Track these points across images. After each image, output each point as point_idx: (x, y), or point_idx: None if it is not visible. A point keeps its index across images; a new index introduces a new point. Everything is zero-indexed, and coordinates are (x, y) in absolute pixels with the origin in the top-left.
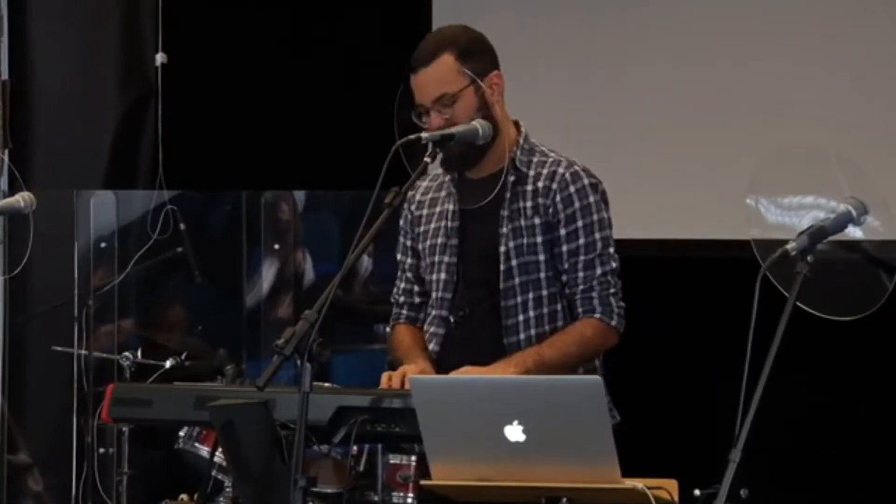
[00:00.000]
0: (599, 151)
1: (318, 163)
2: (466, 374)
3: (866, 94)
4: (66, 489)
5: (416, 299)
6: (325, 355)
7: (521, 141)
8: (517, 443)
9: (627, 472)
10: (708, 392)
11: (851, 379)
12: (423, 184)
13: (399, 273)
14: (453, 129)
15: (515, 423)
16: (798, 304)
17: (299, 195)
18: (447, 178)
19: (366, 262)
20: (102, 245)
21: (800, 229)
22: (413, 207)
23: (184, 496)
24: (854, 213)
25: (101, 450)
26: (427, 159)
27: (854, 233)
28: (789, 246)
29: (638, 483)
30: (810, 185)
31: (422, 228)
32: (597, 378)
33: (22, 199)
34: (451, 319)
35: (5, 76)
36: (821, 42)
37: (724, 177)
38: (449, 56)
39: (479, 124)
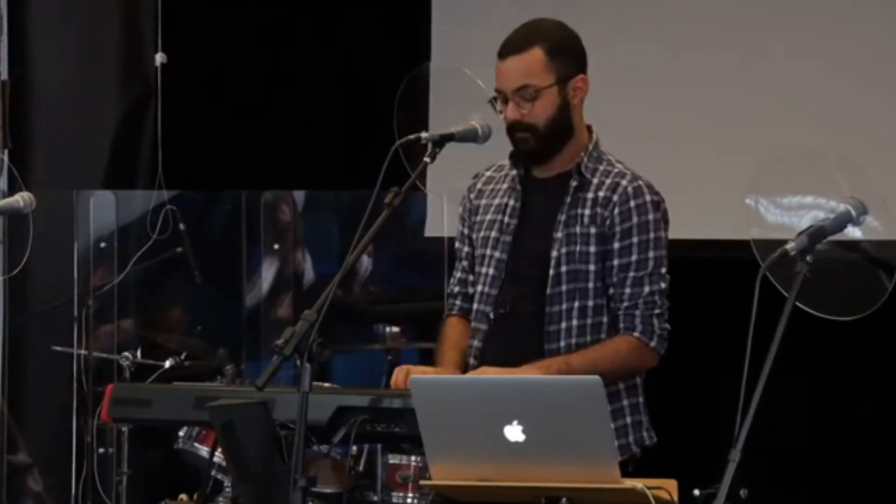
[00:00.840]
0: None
1: (317, 163)
2: (487, 374)
3: (866, 94)
4: (66, 489)
5: (471, 289)
6: (324, 355)
7: (591, 147)
8: (517, 443)
9: (627, 472)
10: (708, 392)
11: (851, 379)
12: (487, 173)
13: (456, 262)
14: (452, 129)
15: (515, 423)
16: (798, 304)
17: (299, 195)
18: (513, 171)
19: (365, 262)
20: (102, 245)
21: (799, 229)
22: (472, 196)
23: (183, 496)
24: (853, 213)
25: (101, 450)
26: (427, 159)
27: (853, 233)
28: (789, 246)
29: (637, 483)
30: (810, 185)
31: (478, 218)
32: (596, 378)
33: (21, 199)
34: (491, 316)
35: (5, 76)
36: (821, 42)
37: (724, 177)
38: (540, 50)
39: (477, 124)
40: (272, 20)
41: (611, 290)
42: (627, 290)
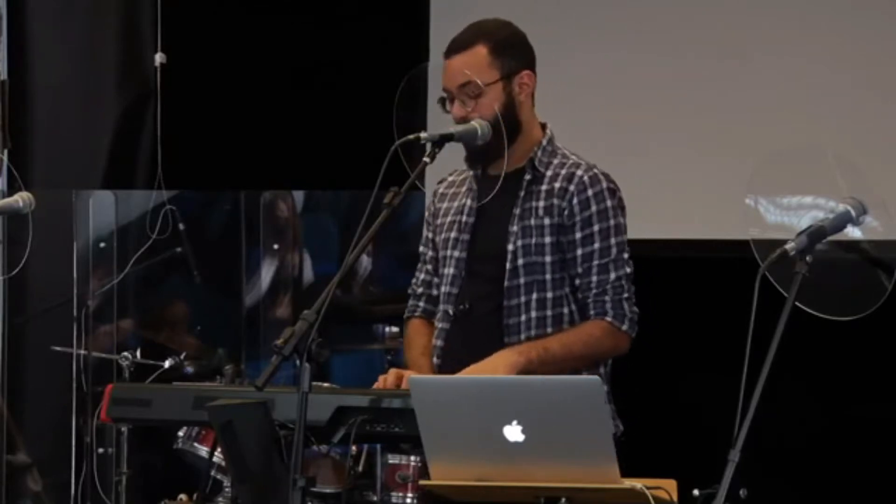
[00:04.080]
0: (599, 151)
1: (316, 163)
2: (471, 374)
3: (866, 93)
4: (66, 489)
5: (435, 291)
6: (324, 355)
7: (545, 142)
8: (516, 443)
9: (626, 472)
10: (707, 392)
11: (850, 379)
12: (450, 177)
13: (419, 265)
14: (452, 129)
15: (514, 423)
16: (797, 304)
17: (298, 195)
18: (471, 172)
19: (364, 262)
20: (101, 245)
21: (799, 229)
22: (436, 200)
23: (183, 496)
24: (853, 213)
25: (101, 450)
26: (426, 159)
27: (853, 233)
28: (788, 246)
29: (637, 483)
30: (809, 185)
31: (439, 221)
32: (596, 378)
33: (21, 199)
34: (451, 313)
35: (4, 76)
36: (821, 42)
37: (725, 177)
38: (483, 47)
39: (478, 124)
40: (271, 20)
41: (577, 281)
42: (594, 278)
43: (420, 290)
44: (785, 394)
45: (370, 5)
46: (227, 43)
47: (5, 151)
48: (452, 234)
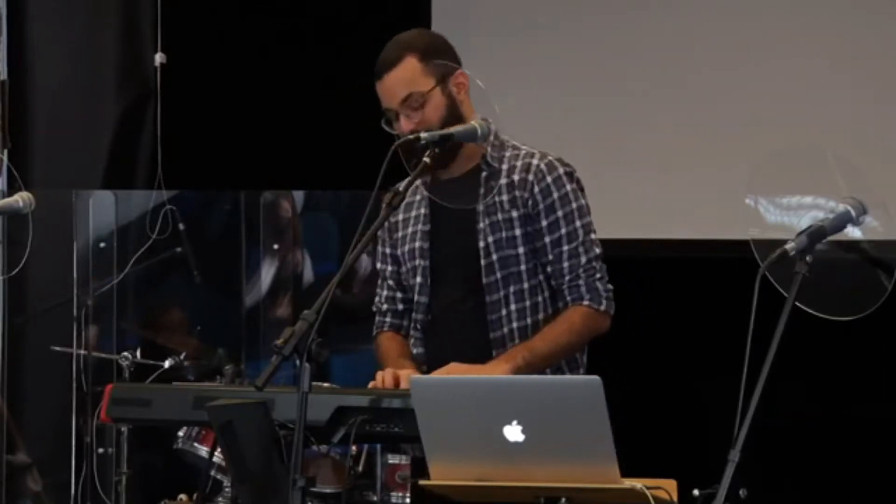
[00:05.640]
0: (601, 152)
1: (316, 163)
2: (455, 370)
3: (867, 93)
4: (66, 489)
5: (400, 306)
6: (323, 355)
7: (492, 137)
8: (516, 443)
9: (626, 472)
10: (707, 392)
11: (850, 379)
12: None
13: (380, 282)
14: (452, 130)
15: (514, 423)
16: (797, 304)
17: (298, 195)
18: (419, 181)
19: (365, 261)
20: (101, 245)
21: (799, 229)
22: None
23: (182, 496)
24: (853, 213)
25: (101, 450)
26: (426, 159)
27: (853, 233)
28: (788, 246)
29: (637, 483)
30: (809, 185)
31: (399, 234)
32: (596, 378)
33: (21, 199)
34: (419, 326)
35: (4, 76)
36: (821, 42)
37: (724, 177)
38: (412, 58)
39: (477, 124)
40: (271, 20)
41: (549, 268)
42: (566, 264)
43: (385, 306)
44: (785, 394)
45: (370, 5)
46: (227, 43)
47: (5, 151)
48: (417, 244)
